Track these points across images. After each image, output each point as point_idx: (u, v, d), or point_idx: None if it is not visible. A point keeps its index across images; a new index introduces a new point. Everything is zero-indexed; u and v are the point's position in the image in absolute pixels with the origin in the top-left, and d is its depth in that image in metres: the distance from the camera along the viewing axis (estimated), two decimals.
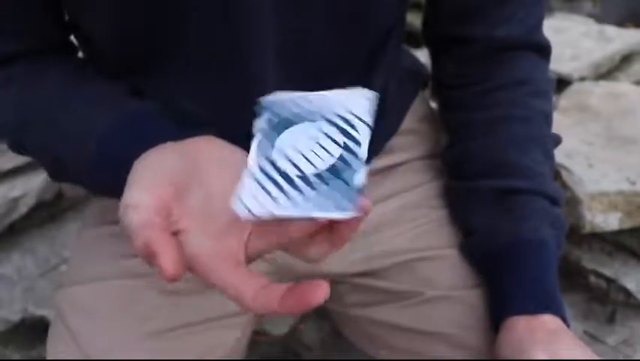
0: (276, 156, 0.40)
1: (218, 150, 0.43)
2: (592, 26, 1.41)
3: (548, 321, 0.53)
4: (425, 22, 0.66)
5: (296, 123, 0.41)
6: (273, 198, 0.37)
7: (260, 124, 0.42)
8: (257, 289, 0.36)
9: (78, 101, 0.51)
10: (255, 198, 0.38)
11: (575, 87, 1.17)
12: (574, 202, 0.91)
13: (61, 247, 1.07)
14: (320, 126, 0.40)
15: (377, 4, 0.55)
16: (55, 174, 0.55)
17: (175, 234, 0.38)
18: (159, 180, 0.39)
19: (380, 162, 0.67)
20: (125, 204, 0.37)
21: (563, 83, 1.19)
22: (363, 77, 0.60)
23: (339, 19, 0.53)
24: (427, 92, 0.75)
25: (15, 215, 1.04)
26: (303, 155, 0.39)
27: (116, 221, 0.39)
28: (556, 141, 0.64)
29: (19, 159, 1.04)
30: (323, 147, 0.39)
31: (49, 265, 1.05)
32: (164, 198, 0.38)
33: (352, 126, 0.40)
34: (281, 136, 0.41)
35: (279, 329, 1.00)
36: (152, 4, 0.49)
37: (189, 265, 0.38)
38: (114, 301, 0.59)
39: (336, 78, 0.58)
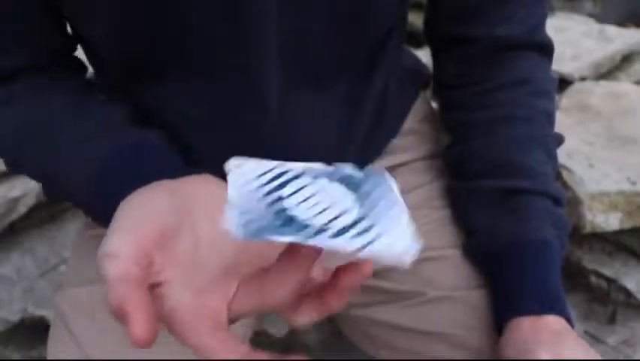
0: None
1: (214, 192, 0.41)
2: (592, 26, 1.41)
3: (552, 322, 0.53)
4: (426, 22, 0.66)
5: None
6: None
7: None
8: (234, 357, 0.33)
9: (80, 126, 0.50)
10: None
11: (575, 87, 1.18)
12: (574, 202, 0.91)
13: (60, 247, 1.07)
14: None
15: (377, 4, 0.55)
16: (53, 196, 0.54)
17: (156, 286, 0.36)
18: (143, 224, 0.36)
19: (381, 163, 0.67)
20: (102, 252, 0.34)
21: (563, 82, 1.19)
22: (364, 78, 0.60)
23: (339, 19, 0.53)
24: (428, 93, 0.75)
25: (14, 215, 1.04)
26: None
27: None
28: (559, 140, 0.64)
29: None
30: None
31: (48, 266, 1.05)
32: (146, 246, 0.35)
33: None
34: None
35: (279, 329, 1.00)
36: (152, 6, 0.48)
37: (167, 321, 0.35)
38: None
39: (337, 79, 0.58)
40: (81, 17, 0.52)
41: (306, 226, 0.32)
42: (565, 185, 0.93)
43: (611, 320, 1.01)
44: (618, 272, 0.99)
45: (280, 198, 0.34)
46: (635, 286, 0.98)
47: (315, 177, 0.36)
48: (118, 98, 0.55)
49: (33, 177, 0.55)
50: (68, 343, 0.58)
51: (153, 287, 0.35)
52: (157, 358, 0.57)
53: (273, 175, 0.35)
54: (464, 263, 0.63)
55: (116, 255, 0.34)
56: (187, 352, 0.60)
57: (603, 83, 1.19)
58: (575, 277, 1.03)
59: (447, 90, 0.66)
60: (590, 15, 1.83)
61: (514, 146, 0.60)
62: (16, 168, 0.56)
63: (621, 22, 1.85)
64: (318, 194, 0.34)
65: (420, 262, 0.64)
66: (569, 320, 0.54)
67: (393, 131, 0.68)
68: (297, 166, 0.36)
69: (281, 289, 0.35)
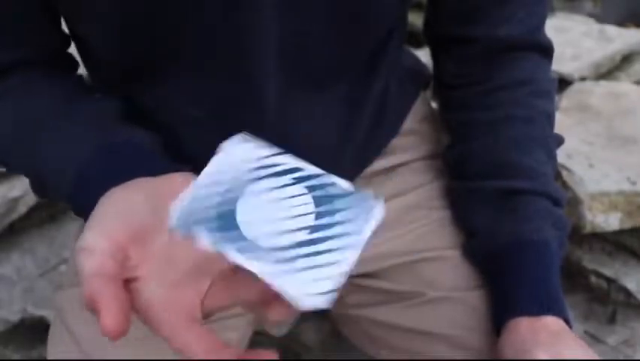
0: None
1: None
2: (592, 26, 1.41)
3: (551, 323, 0.53)
4: (426, 22, 0.66)
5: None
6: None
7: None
8: (208, 351, 0.34)
9: (65, 124, 0.50)
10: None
11: (575, 87, 1.18)
12: (574, 202, 0.91)
13: (60, 247, 1.07)
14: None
15: (377, 4, 0.55)
16: (39, 193, 0.55)
17: (132, 280, 0.36)
18: (119, 220, 0.37)
19: (381, 163, 0.67)
20: (79, 246, 0.36)
21: (563, 82, 1.19)
22: (364, 78, 0.60)
23: (339, 19, 0.53)
24: (428, 93, 0.75)
25: (14, 215, 1.04)
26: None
27: None
28: (559, 141, 0.64)
29: None
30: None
31: (48, 265, 1.05)
32: (122, 241, 0.36)
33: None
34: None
35: (279, 329, 1.00)
36: (151, 6, 0.48)
37: (143, 314, 0.36)
38: None
39: (337, 79, 0.58)
40: (79, 17, 0.52)
41: (238, 236, 0.32)
42: (565, 185, 0.93)
43: (611, 320, 1.01)
44: (618, 272, 0.99)
45: (237, 200, 0.34)
46: (635, 286, 0.98)
47: (298, 181, 0.35)
48: (107, 96, 0.55)
49: (20, 173, 0.55)
50: (68, 343, 0.58)
51: (129, 282, 0.36)
52: (157, 358, 0.57)
53: (259, 165, 0.36)
54: (464, 264, 0.63)
55: (92, 249, 0.35)
56: None
57: (603, 83, 1.19)
58: (575, 277, 1.03)
59: (447, 90, 0.66)
60: (590, 15, 1.83)
61: (515, 146, 0.60)
62: (3, 164, 0.56)
63: (621, 22, 1.85)
64: (283, 201, 0.35)
65: (420, 262, 0.65)
66: (567, 321, 0.54)
67: (393, 131, 0.68)
68: (289, 162, 0.36)
69: (254, 285, 0.35)
